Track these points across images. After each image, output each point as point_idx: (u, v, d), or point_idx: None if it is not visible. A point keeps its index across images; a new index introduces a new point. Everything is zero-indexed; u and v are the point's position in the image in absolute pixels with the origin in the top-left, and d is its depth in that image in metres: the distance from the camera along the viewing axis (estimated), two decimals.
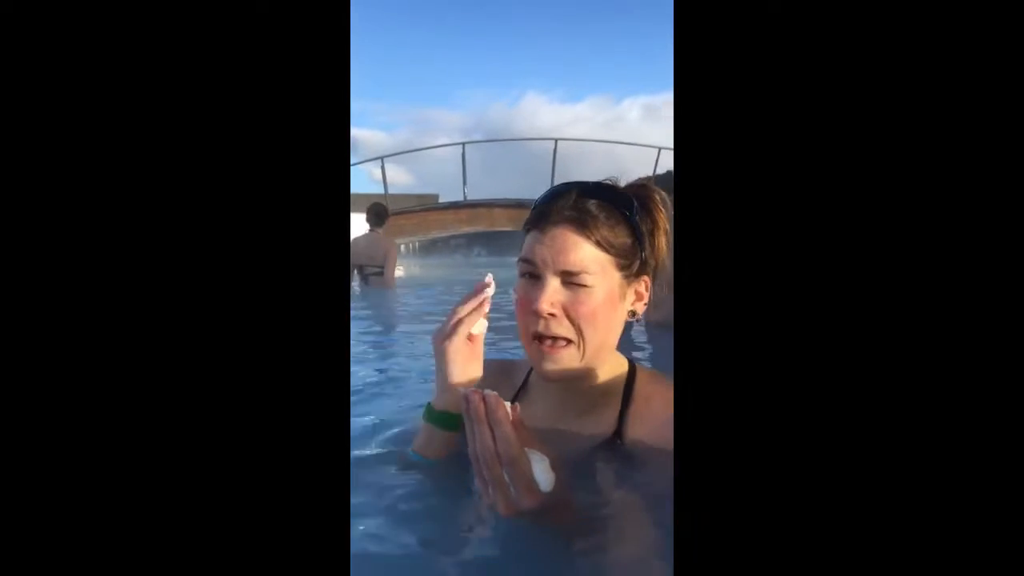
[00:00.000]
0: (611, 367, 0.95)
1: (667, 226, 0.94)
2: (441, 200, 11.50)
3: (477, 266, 8.67)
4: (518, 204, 10.38)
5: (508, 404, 0.68)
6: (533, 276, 0.87)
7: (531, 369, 0.99)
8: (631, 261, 0.89)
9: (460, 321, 0.88)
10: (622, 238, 0.88)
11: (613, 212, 0.87)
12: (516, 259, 0.91)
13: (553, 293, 0.85)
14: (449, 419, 0.89)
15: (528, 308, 0.87)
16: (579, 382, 0.92)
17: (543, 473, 0.67)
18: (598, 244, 0.86)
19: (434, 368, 0.90)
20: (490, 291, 0.89)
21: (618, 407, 0.93)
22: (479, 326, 0.90)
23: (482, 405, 0.67)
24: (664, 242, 0.94)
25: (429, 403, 0.91)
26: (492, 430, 0.66)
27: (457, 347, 0.88)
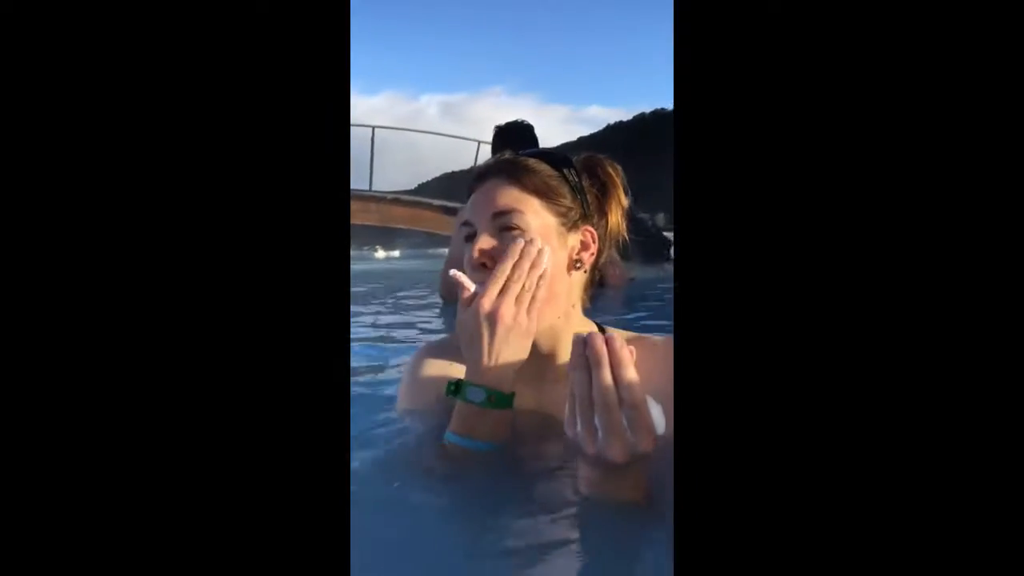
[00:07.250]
0: (574, 328, 0.85)
1: (621, 196, 0.91)
2: None
3: None
4: None
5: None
6: (470, 237, 0.86)
7: None
8: (568, 208, 0.87)
9: (511, 283, 0.79)
10: (554, 183, 0.87)
11: (546, 165, 0.88)
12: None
13: (484, 241, 0.84)
14: (507, 399, 0.79)
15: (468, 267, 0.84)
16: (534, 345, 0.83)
17: (660, 415, 0.64)
18: (527, 188, 0.85)
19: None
20: (544, 251, 0.80)
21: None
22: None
23: (604, 346, 0.63)
24: (618, 212, 0.92)
25: (466, 383, 0.79)
26: (615, 373, 0.63)
27: (522, 318, 0.79)
